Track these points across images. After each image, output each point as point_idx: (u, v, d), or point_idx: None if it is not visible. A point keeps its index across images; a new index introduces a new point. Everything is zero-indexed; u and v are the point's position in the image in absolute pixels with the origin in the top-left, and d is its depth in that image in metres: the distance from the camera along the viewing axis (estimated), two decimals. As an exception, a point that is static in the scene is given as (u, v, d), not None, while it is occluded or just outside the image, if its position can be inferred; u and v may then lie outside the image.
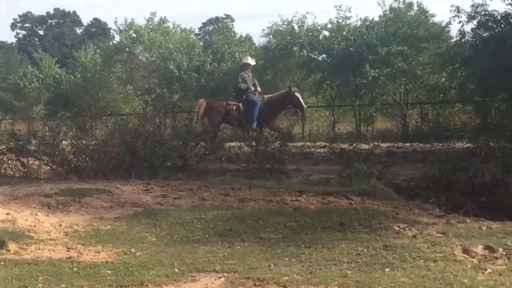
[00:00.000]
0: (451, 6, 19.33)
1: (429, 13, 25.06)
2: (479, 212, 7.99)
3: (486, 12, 18.37)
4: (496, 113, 20.59)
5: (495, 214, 7.94)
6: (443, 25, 24.30)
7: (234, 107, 17.01)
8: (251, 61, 17.80)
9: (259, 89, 17.23)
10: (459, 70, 19.38)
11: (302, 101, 17.14)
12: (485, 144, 10.50)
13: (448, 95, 22.20)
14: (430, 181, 9.58)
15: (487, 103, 20.02)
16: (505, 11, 17.87)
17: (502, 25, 18.01)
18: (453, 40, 21.84)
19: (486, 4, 18.35)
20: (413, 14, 24.91)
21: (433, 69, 23.22)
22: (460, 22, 18.98)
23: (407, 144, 17.85)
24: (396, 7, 25.29)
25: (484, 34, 18.99)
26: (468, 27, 19.04)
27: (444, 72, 21.61)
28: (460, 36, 19.28)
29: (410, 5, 25.26)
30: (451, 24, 22.13)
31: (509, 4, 17.78)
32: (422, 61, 23.28)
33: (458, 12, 18.80)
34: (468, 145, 13.62)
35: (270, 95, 17.61)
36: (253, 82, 17.25)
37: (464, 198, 8.73)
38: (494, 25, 18.34)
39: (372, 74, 22.80)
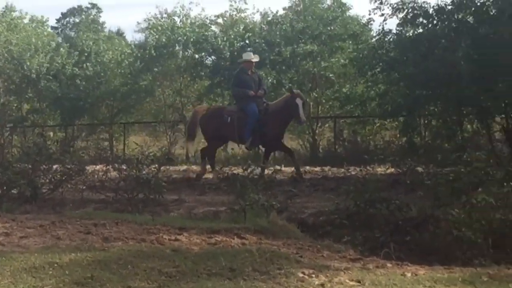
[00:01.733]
0: None
1: (347, 5, 25.63)
2: (403, 254, 8.27)
3: (415, 5, 18.44)
4: (426, 131, 21.11)
5: (422, 257, 8.22)
6: (363, 22, 24.68)
7: (229, 118, 16.75)
8: (254, 58, 17.24)
9: (260, 92, 16.87)
10: (381, 76, 19.54)
11: (301, 111, 16.42)
12: (411, 170, 10.83)
13: (368, 108, 22.51)
14: (343, 216, 9.83)
15: (415, 118, 20.33)
16: (438, 4, 18.18)
17: (435, 21, 18.23)
18: (374, 40, 22.12)
19: None
20: (327, 6, 25.37)
21: (348, 74, 23.65)
22: (382, 15, 18.95)
23: (317, 169, 18.22)
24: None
25: (413, 31, 19.23)
26: (393, 23, 19.30)
27: (363, 79, 21.87)
28: (382, 33, 19.33)
29: (322, -5, 25.70)
30: (373, 20, 22.34)
31: None
32: (335, 64, 23.69)
33: (381, 3, 18.77)
34: (391, 170, 14.04)
35: (274, 102, 17.29)
36: (260, 86, 16.94)
37: (385, 236, 9.02)
38: (425, 21, 18.43)
39: (270, 80, 23.08)
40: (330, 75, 24.05)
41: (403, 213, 9.76)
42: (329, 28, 24.10)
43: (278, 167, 16.33)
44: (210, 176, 16.51)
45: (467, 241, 8.36)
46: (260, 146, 17.67)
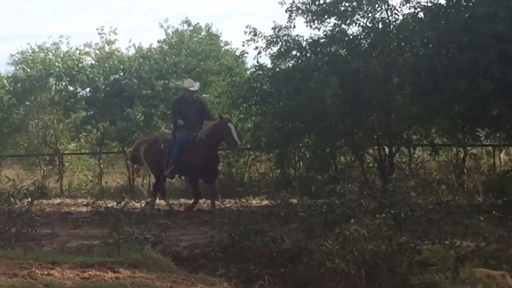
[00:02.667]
0: (246, 27, 19.20)
1: (221, 39, 25.79)
2: (277, 287, 8.33)
3: (289, 38, 18.61)
4: (300, 163, 21.40)
5: (297, 289, 8.31)
6: (237, 54, 24.80)
7: (163, 145, 16.65)
8: (195, 86, 17.05)
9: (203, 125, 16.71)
10: (255, 109, 19.63)
11: (235, 135, 16.24)
12: (285, 202, 10.92)
13: (243, 140, 22.66)
14: (218, 249, 9.84)
15: (289, 151, 20.57)
16: (311, 37, 18.46)
17: (308, 54, 18.46)
18: (249, 72, 22.26)
19: (290, 27, 18.63)
20: (200, 39, 25.47)
21: (223, 107, 23.76)
22: (257, 48, 19.06)
23: (191, 201, 18.19)
24: (180, 30, 25.72)
25: (287, 64, 19.44)
26: (268, 56, 19.24)
27: (238, 111, 21.98)
28: (256, 67, 19.44)
29: (197, 29, 25.78)
30: (247, 53, 22.39)
31: (316, 28, 18.36)
32: (208, 98, 23.76)
33: (255, 35, 18.85)
34: (265, 202, 14.15)
35: (202, 130, 16.79)
36: (203, 113, 16.81)
37: (260, 269, 9.07)
38: (299, 54, 18.64)
39: (137, 115, 23.03)
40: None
41: (277, 245, 9.84)
42: (202, 63, 24.16)
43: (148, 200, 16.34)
44: (83, 209, 16.28)
45: (341, 272, 8.48)
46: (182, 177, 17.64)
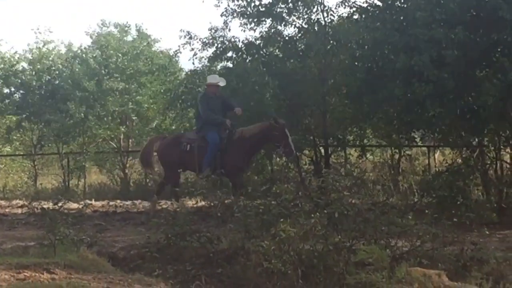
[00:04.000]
0: (181, 30, 19.11)
1: (153, 38, 25.61)
2: (214, 287, 8.38)
3: (225, 39, 18.65)
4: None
5: (234, 289, 8.36)
6: (171, 53, 24.53)
7: (189, 146, 15.66)
8: (221, 82, 15.93)
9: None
10: (191, 110, 19.60)
11: (291, 143, 15.27)
12: (221, 203, 10.97)
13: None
14: (154, 249, 9.84)
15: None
16: (247, 38, 18.54)
17: (244, 55, 18.51)
18: (184, 73, 22.21)
19: (225, 29, 18.68)
20: (131, 40, 25.30)
21: (157, 108, 23.70)
22: (192, 49, 19.04)
23: (128, 202, 18.15)
24: (109, 31, 25.44)
25: (223, 64, 19.43)
26: (204, 58, 19.15)
27: (173, 112, 21.88)
28: (192, 70, 19.45)
29: (125, 29, 25.38)
30: (180, 52, 22.11)
31: (252, 29, 18.45)
32: (141, 100, 23.67)
33: (190, 38, 18.86)
34: (202, 203, 14.18)
35: (245, 128, 15.81)
36: (227, 108, 15.71)
37: (197, 269, 9.11)
38: (235, 55, 18.69)
39: (77, 114, 22.86)
40: (139, 108, 24.03)
41: (214, 245, 9.88)
42: (133, 64, 24.03)
43: (88, 201, 16.23)
44: (18, 211, 16.14)
45: (277, 273, 8.54)
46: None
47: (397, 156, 20.30)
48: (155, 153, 16.50)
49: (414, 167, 20.72)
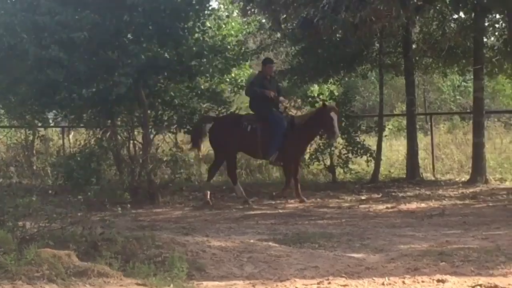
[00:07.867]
0: None
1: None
2: None
3: None
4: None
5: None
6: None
7: (250, 127, 14.39)
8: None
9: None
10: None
11: (336, 126, 14.61)
12: None
13: None
14: None
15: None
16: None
17: None
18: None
19: None
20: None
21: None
22: None
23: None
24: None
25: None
26: None
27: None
28: None
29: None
30: None
31: None
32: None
33: None
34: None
35: (300, 116, 15.40)
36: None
37: None
38: None
39: None
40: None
41: None
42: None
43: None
44: None
45: None
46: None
47: (31, 137, 20.25)
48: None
49: (48, 148, 20.77)
